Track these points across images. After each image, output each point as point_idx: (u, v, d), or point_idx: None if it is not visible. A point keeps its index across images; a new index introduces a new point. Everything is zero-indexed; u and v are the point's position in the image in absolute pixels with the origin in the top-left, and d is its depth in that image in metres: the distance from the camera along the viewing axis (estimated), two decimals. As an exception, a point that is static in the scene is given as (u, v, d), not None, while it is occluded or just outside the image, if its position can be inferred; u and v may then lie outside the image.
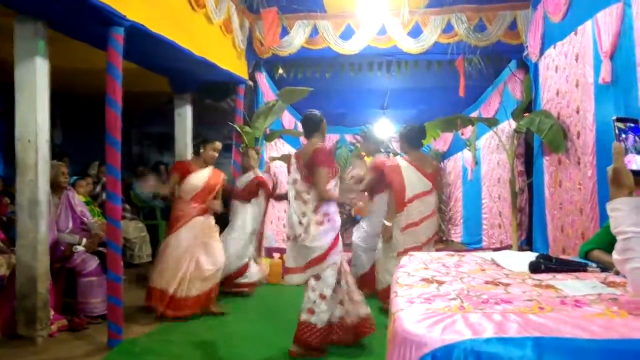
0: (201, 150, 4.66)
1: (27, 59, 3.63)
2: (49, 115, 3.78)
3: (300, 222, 3.53)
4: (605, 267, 2.00)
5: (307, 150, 3.65)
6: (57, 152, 6.76)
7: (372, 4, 5.91)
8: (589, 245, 2.37)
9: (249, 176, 5.51)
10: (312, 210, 3.53)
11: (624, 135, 1.36)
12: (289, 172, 3.83)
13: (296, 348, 3.48)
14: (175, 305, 4.38)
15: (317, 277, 3.51)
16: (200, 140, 4.75)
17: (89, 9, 3.35)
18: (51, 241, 3.91)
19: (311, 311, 3.45)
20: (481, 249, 6.92)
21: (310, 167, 3.54)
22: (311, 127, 3.76)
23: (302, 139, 4.47)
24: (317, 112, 3.83)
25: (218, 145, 4.75)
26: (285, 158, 5.41)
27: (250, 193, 5.44)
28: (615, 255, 1.32)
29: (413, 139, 4.62)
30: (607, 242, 2.28)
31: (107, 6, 3.39)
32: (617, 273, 1.84)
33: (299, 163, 3.63)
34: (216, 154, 4.74)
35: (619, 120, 1.38)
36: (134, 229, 6.72)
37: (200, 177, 4.63)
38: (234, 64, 5.89)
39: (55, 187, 4.27)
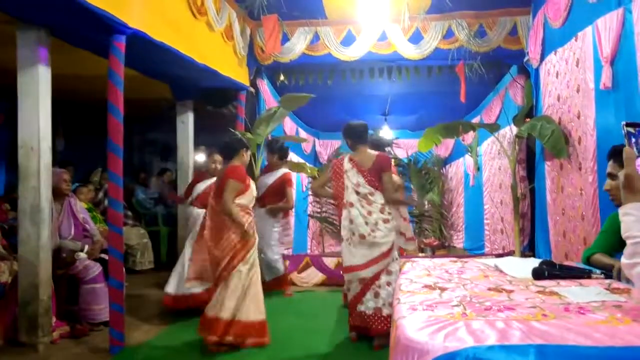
0: (244, 157, 4.16)
1: (29, 67, 3.65)
2: (51, 122, 3.80)
3: (366, 223, 3.85)
4: (607, 270, 1.99)
5: (365, 157, 4.00)
6: (59, 159, 6.79)
7: (372, 11, 5.93)
8: (590, 251, 2.38)
9: (210, 181, 4.97)
10: (379, 210, 3.89)
11: (634, 140, 1.34)
12: (335, 176, 4.06)
13: (382, 341, 3.69)
14: None
15: (389, 272, 3.84)
16: (244, 145, 4.19)
17: (90, 17, 3.36)
18: (53, 248, 3.92)
19: (392, 304, 3.67)
20: (483, 254, 6.90)
21: (375, 172, 3.92)
22: (361, 135, 4.07)
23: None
24: (361, 121, 4.19)
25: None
26: (293, 165, 5.37)
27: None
28: (623, 260, 1.31)
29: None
30: (608, 245, 2.29)
31: (109, 14, 3.40)
32: (619, 275, 1.83)
33: (359, 168, 3.96)
34: None
35: (628, 125, 1.36)
36: (136, 236, 6.73)
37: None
38: (235, 70, 5.91)
39: (57, 194, 4.27)
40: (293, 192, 5.80)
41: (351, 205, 3.93)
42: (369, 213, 3.88)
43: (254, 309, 3.81)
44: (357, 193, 3.93)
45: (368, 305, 3.82)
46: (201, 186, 5.11)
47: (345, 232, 3.94)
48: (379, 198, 3.92)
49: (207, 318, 3.75)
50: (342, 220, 3.99)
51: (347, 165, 4.03)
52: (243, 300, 3.76)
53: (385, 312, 3.75)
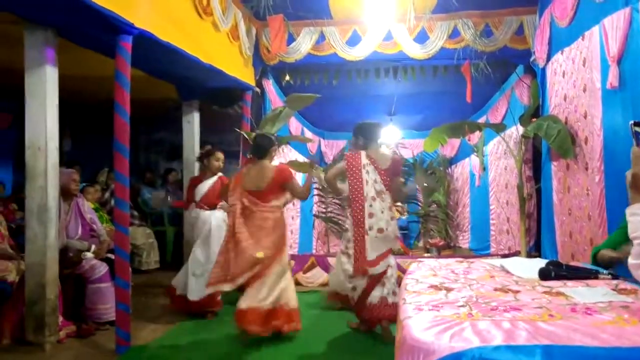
0: (274, 154, 4.31)
1: (37, 67, 3.67)
2: (58, 122, 3.82)
3: (384, 217, 3.97)
4: (613, 263, 1.99)
5: (380, 157, 4.08)
6: (66, 159, 6.82)
7: (378, 10, 5.92)
8: (598, 247, 2.37)
9: (212, 179, 5.00)
10: (388, 207, 4.03)
11: None
12: (350, 170, 4.02)
13: (387, 323, 3.91)
14: None
15: (391, 265, 4.01)
16: (274, 142, 4.27)
17: (97, 18, 3.38)
18: (60, 247, 3.94)
19: (395, 293, 3.92)
20: (489, 255, 6.88)
21: (390, 173, 4.06)
22: (376, 135, 4.19)
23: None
24: (374, 121, 4.35)
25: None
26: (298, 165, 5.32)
27: (217, 197, 4.87)
28: (630, 260, 1.30)
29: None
30: (618, 243, 2.27)
31: (116, 15, 3.42)
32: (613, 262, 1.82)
33: (376, 165, 4.03)
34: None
35: (636, 124, 1.35)
36: (142, 235, 6.75)
37: None
38: (241, 70, 5.92)
39: (66, 194, 4.30)
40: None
41: (373, 199, 3.96)
42: (383, 210, 3.97)
43: (290, 297, 3.97)
44: (374, 189, 3.99)
45: (374, 294, 3.92)
46: (203, 187, 4.96)
47: (366, 226, 3.90)
48: (388, 197, 4.03)
49: (246, 310, 3.79)
50: (356, 215, 3.93)
51: (364, 160, 4.02)
52: (284, 289, 3.93)
53: (390, 300, 3.88)
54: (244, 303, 3.82)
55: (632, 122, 1.36)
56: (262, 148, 4.11)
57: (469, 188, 8.96)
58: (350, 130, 4.43)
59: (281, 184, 4.05)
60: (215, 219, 4.79)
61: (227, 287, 3.95)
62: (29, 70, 3.68)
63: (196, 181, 5.09)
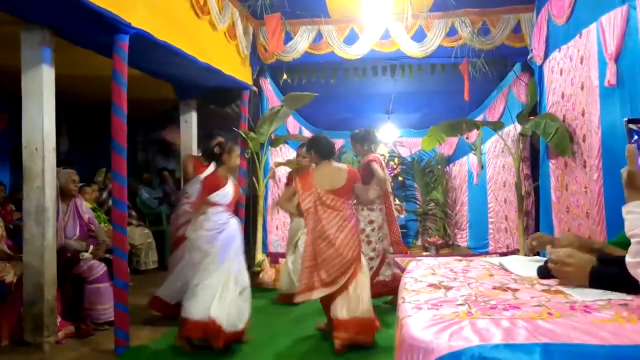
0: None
1: (33, 67, 3.66)
2: (55, 122, 3.81)
3: None
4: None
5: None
6: (61, 159, 6.80)
7: (375, 9, 5.91)
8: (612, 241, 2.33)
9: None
10: None
11: (636, 137, 1.32)
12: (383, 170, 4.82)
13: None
14: None
15: None
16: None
17: (94, 17, 3.37)
18: (58, 248, 3.93)
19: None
20: (487, 253, 6.89)
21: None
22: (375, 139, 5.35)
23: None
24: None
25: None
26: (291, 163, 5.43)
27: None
28: (628, 258, 1.29)
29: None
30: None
31: (113, 14, 3.41)
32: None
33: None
34: None
35: (630, 121, 1.34)
36: (140, 236, 6.74)
37: None
38: (238, 69, 5.91)
39: (65, 194, 4.29)
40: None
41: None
42: None
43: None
44: None
45: (385, 273, 4.84)
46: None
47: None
48: None
49: (354, 320, 3.63)
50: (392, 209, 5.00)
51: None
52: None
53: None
54: (343, 312, 3.66)
55: (626, 119, 1.35)
56: (328, 148, 4.00)
57: (467, 186, 8.97)
58: (348, 128, 4.52)
59: (353, 184, 3.96)
60: None
61: (321, 294, 3.75)
62: (26, 70, 3.67)
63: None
